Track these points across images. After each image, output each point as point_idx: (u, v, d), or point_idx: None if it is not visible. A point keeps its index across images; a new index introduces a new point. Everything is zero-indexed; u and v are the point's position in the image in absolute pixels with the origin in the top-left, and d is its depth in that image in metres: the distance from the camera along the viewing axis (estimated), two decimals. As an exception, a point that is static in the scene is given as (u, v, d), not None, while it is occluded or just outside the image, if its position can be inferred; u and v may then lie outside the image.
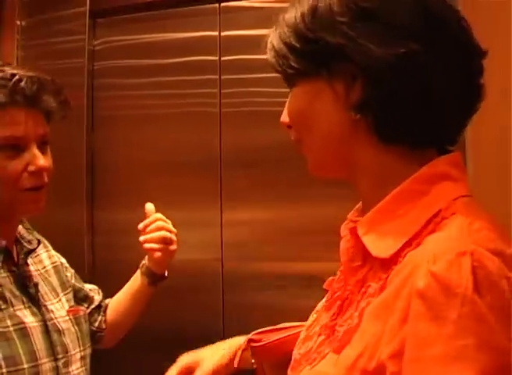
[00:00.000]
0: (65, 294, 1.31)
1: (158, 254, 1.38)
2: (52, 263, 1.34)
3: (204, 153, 2.07)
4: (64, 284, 1.33)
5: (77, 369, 1.22)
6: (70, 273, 1.41)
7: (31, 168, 1.13)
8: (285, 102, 0.81)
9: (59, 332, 1.20)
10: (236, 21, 2.06)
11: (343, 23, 0.69)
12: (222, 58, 2.07)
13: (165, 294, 2.07)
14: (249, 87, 2.00)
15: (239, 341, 1.02)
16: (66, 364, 1.19)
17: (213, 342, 1.07)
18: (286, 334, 0.94)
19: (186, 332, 1.97)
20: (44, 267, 1.30)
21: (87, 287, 1.47)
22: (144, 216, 1.43)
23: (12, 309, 1.12)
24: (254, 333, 0.99)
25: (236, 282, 2.01)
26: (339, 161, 0.75)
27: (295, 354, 0.82)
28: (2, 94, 1.10)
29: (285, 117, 0.80)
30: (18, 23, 2.25)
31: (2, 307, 1.10)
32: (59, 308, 1.25)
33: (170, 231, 1.41)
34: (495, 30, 1.51)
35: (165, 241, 1.39)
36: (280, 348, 0.90)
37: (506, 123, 1.54)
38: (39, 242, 1.29)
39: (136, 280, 1.45)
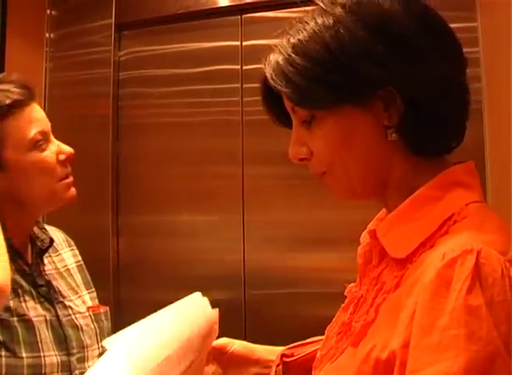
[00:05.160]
0: (89, 293, 1.32)
1: None
2: (76, 262, 1.35)
3: (227, 160, 2.11)
4: (89, 283, 1.34)
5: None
6: None
7: (62, 157, 1.19)
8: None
9: (76, 328, 1.21)
10: (257, 31, 2.10)
11: (375, 50, 0.70)
12: (244, 68, 2.12)
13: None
14: (270, 95, 2.03)
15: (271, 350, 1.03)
16: (82, 359, 1.19)
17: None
18: (317, 347, 0.93)
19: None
20: (66, 265, 1.31)
21: None
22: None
23: (19, 301, 1.13)
24: (286, 348, 0.99)
25: (258, 285, 2.04)
26: (376, 181, 0.77)
27: (318, 355, 0.85)
28: (16, 94, 1.14)
29: (300, 153, 0.79)
30: (47, 35, 2.32)
31: (9, 298, 1.09)
32: (79, 304, 1.26)
33: None
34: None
35: None
36: (312, 362, 0.90)
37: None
38: (51, 241, 1.27)
39: None
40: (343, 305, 0.85)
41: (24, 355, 1.09)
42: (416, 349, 0.62)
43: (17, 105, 1.14)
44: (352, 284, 0.87)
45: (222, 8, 2.15)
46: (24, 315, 1.12)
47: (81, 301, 1.28)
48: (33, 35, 2.32)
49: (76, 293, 1.28)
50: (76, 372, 1.17)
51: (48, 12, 2.33)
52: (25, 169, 1.14)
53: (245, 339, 1.10)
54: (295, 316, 1.96)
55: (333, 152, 0.76)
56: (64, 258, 1.33)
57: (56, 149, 1.19)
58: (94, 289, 1.35)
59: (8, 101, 1.12)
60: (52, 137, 1.20)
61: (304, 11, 0.78)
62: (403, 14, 0.72)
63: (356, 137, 0.74)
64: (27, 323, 1.12)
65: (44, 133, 1.17)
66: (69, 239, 1.39)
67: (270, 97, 0.82)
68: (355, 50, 0.70)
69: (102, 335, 1.27)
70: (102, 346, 1.21)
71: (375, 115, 0.73)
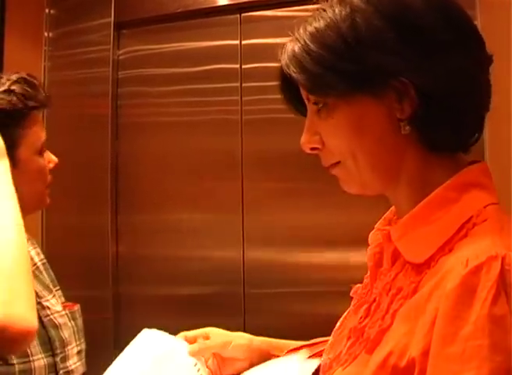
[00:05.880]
0: (56, 291, 1.33)
1: None
2: (41, 260, 1.35)
3: (226, 159, 2.11)
4: (54, 281, 1.35)
5: (74, 363, 1.24)
6: None
7: (51, 165, 1.26)
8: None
9: (57, 327, 1.22)
10: (256, 30, 2.10)
11: (390, 40, 0.69)
12: (243, 67, 2.11)
13: (189, 299, 2.11)
14: (270, 94, 2.03)
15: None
16: (64, 359, 1.21)
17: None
18: (319, 350, 0.92)
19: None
20: (35, 264, 1.32)
21: None
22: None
23: None
24: (287, 350, 0.99)
25: (257, 286, 2.04)
26: (387, 175, 0.75)
27: (324, 359, 0.83)
28: (40, 97, 1.20)
29: (311, 142, 0.78)
30: (45, 34, 2.31)
31: None
32: (55, 303, 1.27)
33: None
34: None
35: None
36: None
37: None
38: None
39: None
40: (351, 308, 0.84)
41: (15, 361, 1.10)
42: (437, 358, 0.61)
43: (38, 109, 1.20)
44: (358, 285, 0.86)
45: (220, 7, 2.14)
46: None
47: (55, 299, 1.29)
48: (32, 34, 2.31)
49: (51, 292, 1.29)
50: (61, 372, 1.20)
51: (47, 10, 2.32)
52: (30, 170, 1.21)
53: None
54: (294, 315, 1.96)
55: (344, 142, 0.74)
56: (32, 255, 1.32)
57: (48, 157, 1.26)
58: (59, 287, 1.36)
59: (32, 104, 1.17)
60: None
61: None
62: (421, 4, 0.71)
63: (367, 128, 0.73)
64: None
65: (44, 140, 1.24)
66: (31, 238, 1.35)
67: (287, 86, 0.81)
68: (370, 39, 0.70)
69: (78, 333, 1.29)
70: (79, 344, 1.28)
71: (388, 106, 0.72)
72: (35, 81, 1.21)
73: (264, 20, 2.09)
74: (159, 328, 1.04)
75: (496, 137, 1.64)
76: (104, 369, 1.00)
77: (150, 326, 1.04)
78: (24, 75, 1.21)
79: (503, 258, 0.62)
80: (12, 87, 1.16)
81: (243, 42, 2.12)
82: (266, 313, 2.00)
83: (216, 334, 1.05)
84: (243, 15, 2.12)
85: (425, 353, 0.62)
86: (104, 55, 2.24)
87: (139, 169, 2.25)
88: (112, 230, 2.18)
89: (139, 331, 1.04)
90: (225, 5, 2.13)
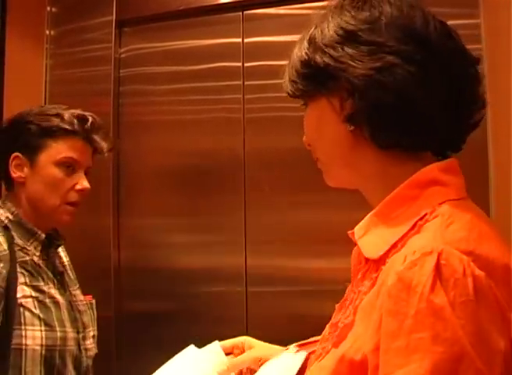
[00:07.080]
0: (78, 288, 1.55)
1: None
2: (68, 260, 1.57)
3: (228, 158, 2.10)
4: (76, 279, 1.56)
5: (90, 344, 1.49)
6: None
7: (78, 187, 1.44)
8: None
9: (80, 312, 1.49)
10: (258, 28, 2.09)
11: (328, 46, 0.78)
12: (246, 65, 2.10)
13: (189, 301, 2.11)
14: (272, 92, 2.02)
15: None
16: (84, 338, 1.46)
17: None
18: (315, 348, 0.94)
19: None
20: (65, 262, 1.56)
21: None
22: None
23: (47, 287, 1.40)
24: (293, 345, 1.02)
25: (260, 285, 2.03)
26: (346, 170, 0.83)
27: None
28: (75, 125, 1.42)
29: (305, 137, 0.87)
30: (47, 32, 2.31)
31: (41, 284, 1.38)
32: (79, 293, 1.53)
33: None
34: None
35: None
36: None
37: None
38: (64, 239, 1.53)
39: None
40: (337, 305, 0.87)
41: (58, 329, 1.36)
42: (386, 353, 0.64)
43: (69, 134, 1.41)
44: None
45: (223, 5, 2.14)
46: (54, 297, 1.40)
47: (79, 291, 1.54)
48: (34, 32, 2.30)
49: (76, 284, 1.54)
50: (82, 347, 1.45)
51: (48, 8, 2.32)
52: (44, 175, 1.41)
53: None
54: (295, 314, 1.95)
55: (310, 138, 0.85)
56: (62, 255, 1.56)
57: (77, 180, 1.43)
58: (78, 285, 1.57)
59: (64, 126, 1.41)
60: (82, 172, 1.45)
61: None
62: (371, 17, 0.77)
63: (324, 125, 0.81)
64: (56, 304, 1.40)
65: (74, 161, 1.43)
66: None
67: None
68: (316, 43, 0.80)
69: (93, 320, 1.54)
70: (94, 329, 1.52)
71: (333, 106, 0.79)
72: (90, 118, 1.45)
73: (267, 18, 2.09)
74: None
75: (498, 138, 1.63)
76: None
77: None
78: (88, 115, 1.45)
79: (440, 254, 0.64)
80: (63, 113, 1.42)
81: (246, 40, 2.11)
82: (269, 322, 1.99)
83: (250, 346, 1.09)
84: (245, 13, 2.12)
85: (376, 350, 0.65)
86: (105, 53, 2.24)
87: (141, 168, 2.24)
88: (113, 230, 2.18)
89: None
90: (227, 3, 2.13)
